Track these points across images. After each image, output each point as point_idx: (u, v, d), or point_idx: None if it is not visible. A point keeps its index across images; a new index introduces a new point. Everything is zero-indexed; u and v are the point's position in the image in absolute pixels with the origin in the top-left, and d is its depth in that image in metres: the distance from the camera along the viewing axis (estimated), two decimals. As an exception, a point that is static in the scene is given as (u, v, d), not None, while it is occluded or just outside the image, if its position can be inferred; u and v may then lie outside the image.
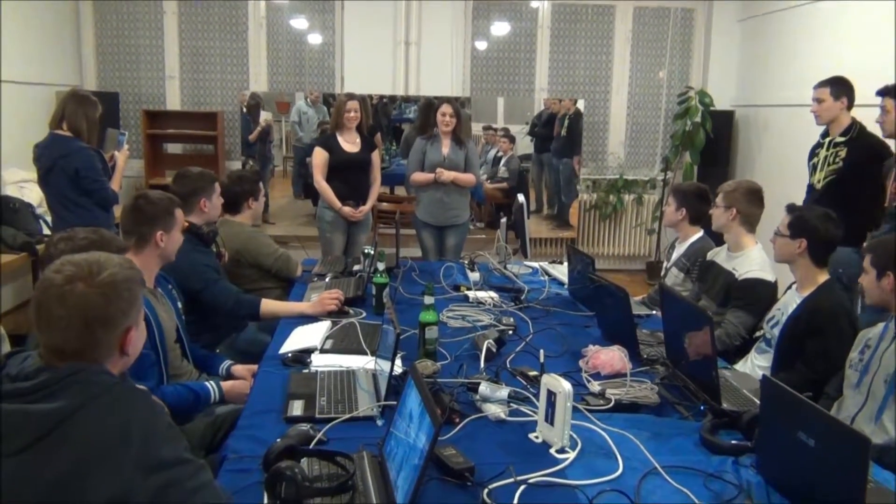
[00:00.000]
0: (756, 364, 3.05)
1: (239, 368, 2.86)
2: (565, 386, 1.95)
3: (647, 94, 7.44)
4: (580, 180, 7.44)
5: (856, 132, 4.07)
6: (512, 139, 9.18)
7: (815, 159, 4.22)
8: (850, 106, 4.09)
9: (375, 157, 5.04)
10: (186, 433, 2.36)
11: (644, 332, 3.05)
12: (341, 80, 7.12)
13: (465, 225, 5.30)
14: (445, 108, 5.02)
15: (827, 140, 4.16)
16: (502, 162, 9.14)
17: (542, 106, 7.60)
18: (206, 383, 2.57)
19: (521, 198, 4.29)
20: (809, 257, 2.87)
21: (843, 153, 4.04)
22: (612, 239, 7.62)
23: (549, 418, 2.01)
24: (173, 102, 7.06)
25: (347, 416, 2.08)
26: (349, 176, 4.93)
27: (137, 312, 1.57)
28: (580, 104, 7.23)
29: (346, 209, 4.91)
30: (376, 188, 5.08)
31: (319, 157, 4.93)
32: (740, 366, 3.10)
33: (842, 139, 4.06)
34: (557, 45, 7.35)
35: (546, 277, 4.03)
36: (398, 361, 2.46)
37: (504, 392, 2.21)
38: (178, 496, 1.42)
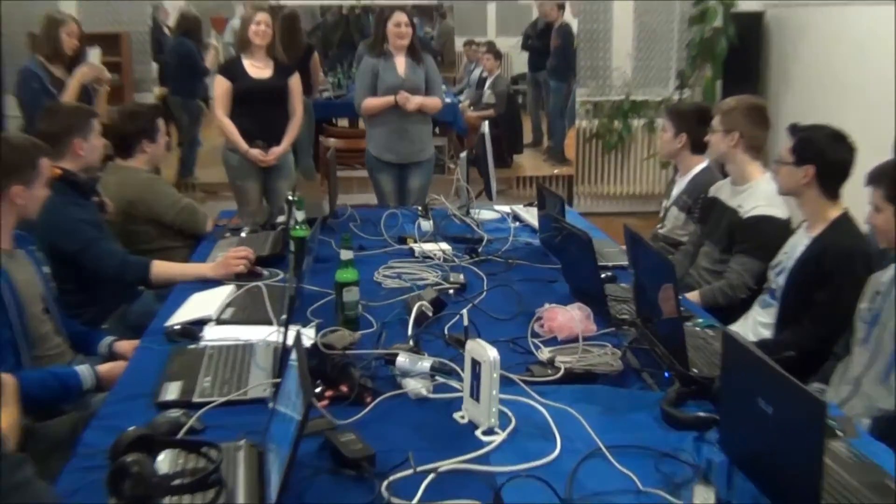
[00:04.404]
0: (758, 321, 3.09)
1: (124, 345, 2.86)
2: (490, 353, 1.96)
3: (657, -8, 7.39)
4: (578, 103, 7.42)
5: None
6: (498, 55, 9.08)
7: None
8: None
9: (294, 84, 4.98)
10: (50, 429, 2.39)
11: (623, 288, 3.08)
12: (286, -14, 7.03)
13: (431, 162, 5.30)
14: (399, 17, 4.98)
15: None
16: (487, 84, 9.08)
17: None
18: (77, 368, 2.55)
19: (485, 126, 4.27)
20: (818, 187, 2.88)
21: None
22: (619, 175, 7.64)
23: (475, 393, 2.02)
24: (68, 22, 6.97)
25: (223, 399, 2.09)
26: (258, 109, 4.88)
27: None
28: (571, 7, 7.16)
29: (254, 151, 4.87)
30: (296, 124, 5.02)
31: (220, 86, 4.89)
32: (740, 324, 3.13)
33: None
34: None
35: (514, 224, 4.03)
36: (310, 331, 2.49)
37: (426, 364, 2.23)
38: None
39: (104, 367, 2.62)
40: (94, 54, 4.74)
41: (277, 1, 6.92)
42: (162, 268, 3.23)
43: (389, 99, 4.97)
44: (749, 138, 3.43)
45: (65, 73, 4.84)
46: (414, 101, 4.96)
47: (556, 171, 7.88)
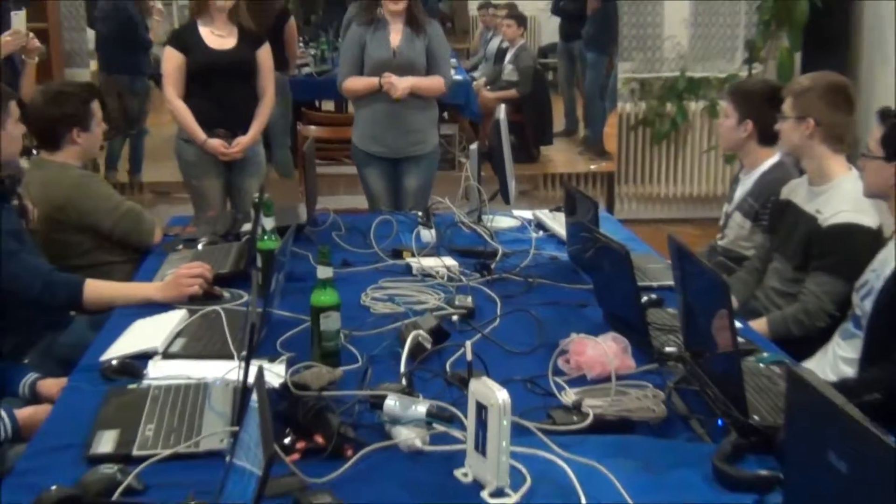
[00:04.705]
0: (839, 355, 3.10)
1: (49, 384, 2.90)
2: (499, 395, 1.98)
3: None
4: (620, 81, 7.45)
5: None
6: (521, 21, 9.16)
7: None
8: None
9: (264, 57, 5.02)
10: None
11: (670, 313, 3.10)
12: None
13: (433, 156, 5.33)
14: None
15: None
16: (508, 57, 9.14)
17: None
18: (-8, 412, 2.61)
19: (500, 111, 4.30)
20: (915, 189, 2.90)
21: None
22: (672, 172, 7.65)
23: (481, 446, 2.05)
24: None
25: (170, 451, 2.12)
26: (219, 89, 4.93)
27: None
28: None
29: (213, 142, 4.90)
30: (266, 107, 5.06)
31: (171, 61, 4.92)
32: (817, 359, 3.14)
33: None
34: None
35: (537, 234, 4.06)
36: (279, 367, 2.53)
37: (421, 408, 2.25)
38: None
39: (24, 412, 2.66)
40: (19, 18, 4.69)
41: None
42: (97, 288, 3.25)
43: (373, 81, 5.01)
44: (828, 126, 3.44)
45: None
46: (402, 87, 4.97)
47: (593, 167, 7.92)
